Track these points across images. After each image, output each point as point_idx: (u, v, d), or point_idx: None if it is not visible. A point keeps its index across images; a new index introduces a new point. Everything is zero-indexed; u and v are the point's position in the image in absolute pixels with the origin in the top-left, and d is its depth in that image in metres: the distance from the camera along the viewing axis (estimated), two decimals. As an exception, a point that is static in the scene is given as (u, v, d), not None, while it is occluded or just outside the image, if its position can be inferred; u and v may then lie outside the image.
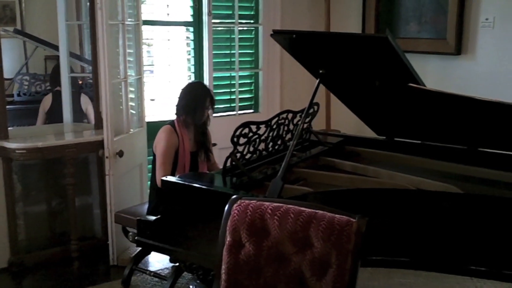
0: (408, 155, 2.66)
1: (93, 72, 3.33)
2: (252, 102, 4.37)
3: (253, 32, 4.29)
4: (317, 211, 1.55)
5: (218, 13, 4.02)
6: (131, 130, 3.45)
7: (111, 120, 3.15)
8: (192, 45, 3.99)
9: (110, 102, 3.13)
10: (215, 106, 3.06)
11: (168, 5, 3.91)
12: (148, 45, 3.90)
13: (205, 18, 3.87)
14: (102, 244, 3.37)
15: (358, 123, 2.87)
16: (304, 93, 3.78)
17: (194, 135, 2.94)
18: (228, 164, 2.21)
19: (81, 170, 3.43)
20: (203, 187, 2.12)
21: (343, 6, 4.35)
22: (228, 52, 4.14)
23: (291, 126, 2.54)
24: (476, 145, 2.55)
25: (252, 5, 4.22)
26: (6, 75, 3.21)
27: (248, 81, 4.35)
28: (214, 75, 3.97)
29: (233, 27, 4.08)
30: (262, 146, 2.38)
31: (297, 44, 2.43)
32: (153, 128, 3.30)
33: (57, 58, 3.56)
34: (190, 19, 3.96)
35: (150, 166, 3.03)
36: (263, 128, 2.34)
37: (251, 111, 4.34)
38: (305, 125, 2.70)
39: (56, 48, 3.53)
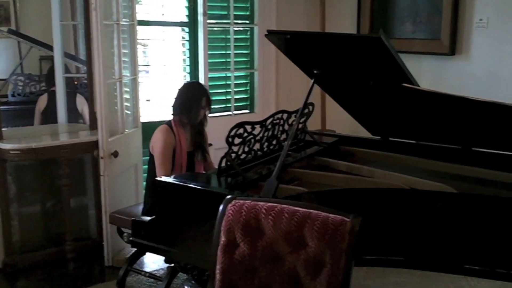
0: (403, 155, 2.66)
1: (87, 73, 3.32)
2: (248, 103, 4.38)
3: (248, 33, 4.29)
4: (311, 210, 1.55)
5: (213, 14, 4.02)
6: (126, 130, 3.44)
7: (106, 120, 3.14)
8: (187, 45, 3.98)
9: (104, 102, 3.12)
10: (211, 107, 3.06)
11: (163, 5, 3.91)
12: (144, 45, 3.89)
13: (200, 18, 3.87)
14: (97, 245, 3.37)
15: (354, 123, 2.88)
16: (299, 93, 3.77)
17: (191, 135, 2.94)
18: (223, 164, 2.21)
19: (76, 171, 3.42)
20: (198, 187, 2.12)
21: (338, 6, 4.36)
22: (224, 52, 4.15)
23: (286, 126, 2.54)
24: (470, 145, 2.56)
25: (248, 5, 4.23)
26: (1, 75, 3.21)
27: (244, 81, 4.35)
28: (209, 75, 3.98)
29: (229, 27, 4.09)
30: (257, 146, 2.39)
31: (291, 44, 2.43)
32: (149, 128, 3.29)
33: (52, 58, 3.55)
34: (186, 19, 3.96)
35: (146, 166, 3.03)
36: (258, 128, 2.34)
37: (247, 111, 4.35)
38: (300, 125, 2.70)
39: (51, 48, 3.51)
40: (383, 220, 2.00)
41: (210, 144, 3.19)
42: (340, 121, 3.75)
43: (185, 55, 4.01)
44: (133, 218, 2.31)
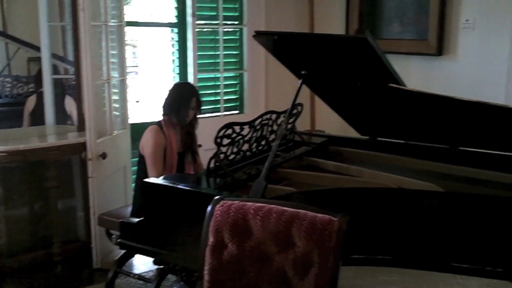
0: (391, 154, 2.69)
1: (75, 74, 3.29)
2: (237, 103, 4.38)
3: (237, 33, 4.29)
4: (299, 210, 1.56)
5: (202, 14, 4.02)
6: (115, 132, 3.42)
7: (94, 121, 3.12)
8: (176, 46, 3.97)
9: (92, 103, 3.10)
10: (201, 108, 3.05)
11: (152, 6, 3.89)
12: (133, 46, 3.88)
13: (189, 19, 3.86)
14: (86, 247, 3.34)
15: (343, 123, 2.89)
16: (289, 94, 3.76)
17: (181, 136, 2.93)
18: (212, 165, 2.21)
19: (64, 173, 3.39)
20: (186, 188, 2.12)
21: (326, 7, 4.38)
22: (213, 53, 4.14)
23: (275, 127, 2.55)
24: (458, 144, 2.59)
25: (237, 6, 4.23)
26: (-13, 77, 3.17)
27: (233, 82, 4.35)
28: (198, 76, 3.97)
29: (218, 28, 4.08)
30: (246, 146, 2.39)
31: (279, 45, 2.44)
32: (138, 129, 3.28)
33: (40, 59, 3.52)
34: (175, 20, 3.95)
35: (135, 168, 3.01)
36: (246, 128, 2.35)
37: (236, 112, 4.35)
38: (289, 126, 2.71)
39: (38, 49, 3.48)
40: (372, 220, 2.01)
41: (200, 145, 3.18)
42: (329, 121, 3.77)
43: (174, 56, 4.00)
44: (121, 220, 2.30)
